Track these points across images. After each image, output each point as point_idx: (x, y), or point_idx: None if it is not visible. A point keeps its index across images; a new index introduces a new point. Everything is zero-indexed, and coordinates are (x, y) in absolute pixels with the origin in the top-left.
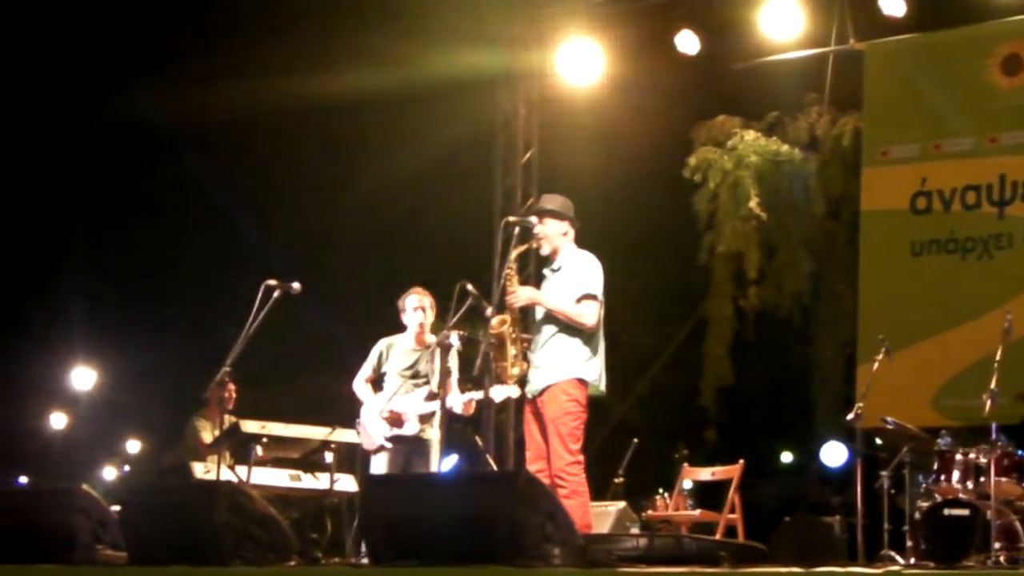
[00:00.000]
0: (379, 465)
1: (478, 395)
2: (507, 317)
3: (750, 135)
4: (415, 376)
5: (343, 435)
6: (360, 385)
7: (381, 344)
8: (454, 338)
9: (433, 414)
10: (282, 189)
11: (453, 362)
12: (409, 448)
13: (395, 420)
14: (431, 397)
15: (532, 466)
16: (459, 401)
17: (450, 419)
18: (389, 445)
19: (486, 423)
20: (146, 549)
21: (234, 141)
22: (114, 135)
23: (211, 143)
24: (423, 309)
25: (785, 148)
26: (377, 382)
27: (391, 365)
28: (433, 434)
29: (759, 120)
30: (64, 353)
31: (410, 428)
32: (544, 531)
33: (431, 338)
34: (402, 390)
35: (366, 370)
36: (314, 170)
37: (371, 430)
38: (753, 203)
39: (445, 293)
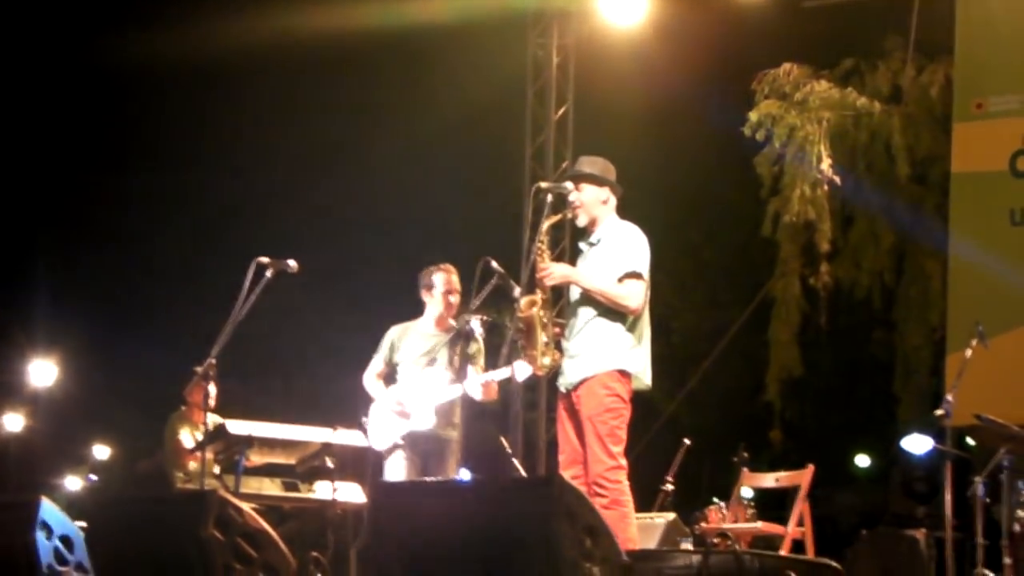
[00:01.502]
0: (393, 470)
1: (501, 374)
2: (537, 298)
3: (821, 86)
4: (433, 363)
5: (346, 437)
6: (370, 379)
7: (392, 332)
8: (475, 323)
9: (454, 409)
10: (276, 156)
11: (474, 350)
12: (426, 448)
13: (406, 413)
14: (444, 384)
15: (567, 471)
16: (476, 383)
17: (468, 414)
18: (401, 442)
19: (513, 422)
20: (118, 571)
21: (226, 99)
22: (81, 108)
23: (194, 100)
24: (453, 292)
25: (863, 101)
26: (391, 376)
27: (404, 354)
28: (455, 433)
29: (832, 68)
30: (21, 343)
31: (424, 422)
32: (582, 547)
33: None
34: (418, 379)
35: (377, 362)
36: (315, 133)
37: (383, 428)
38: (825, 165)
39: (466, 271)
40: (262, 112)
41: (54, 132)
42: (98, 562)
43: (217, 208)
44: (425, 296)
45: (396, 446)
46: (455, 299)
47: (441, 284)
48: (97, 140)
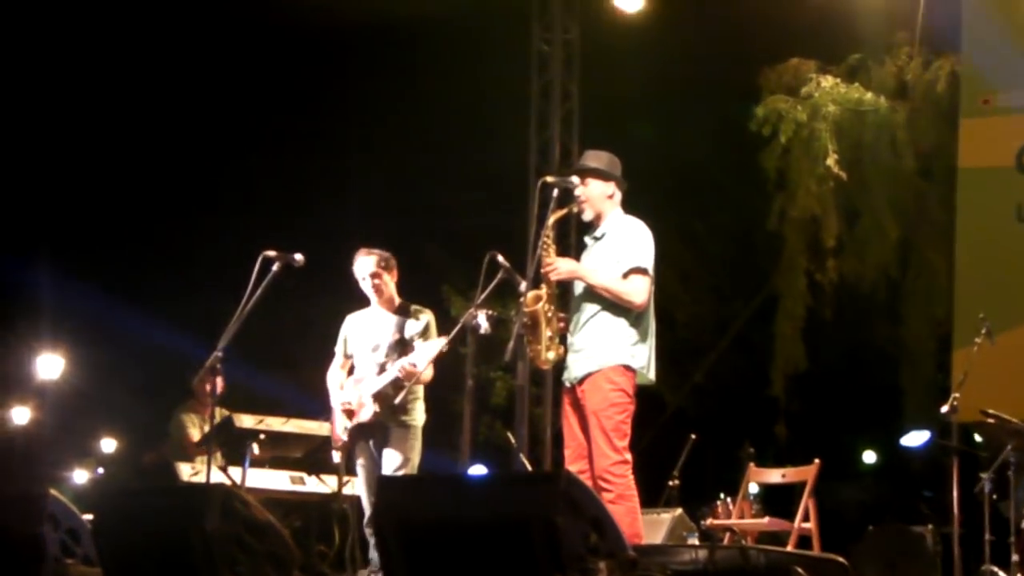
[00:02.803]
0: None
1: (426, 350)
2: (543, 293)
3: (828, 81)
4: (377, 349)
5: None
6: (332, 375)
7: (346, 321)
8: (482, 318)
9: (399, 394)
10: (271, 149)
11: (418, 330)
12: (375, 440)
13: (349, 412)
14: (382, 370)
15: (572, 466)
16: (397, 367)
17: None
18: (346, 439)
19: (519, 416)
20: (124, 563)
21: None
22: (89, 98)
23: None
24: (368, 277)
25: (869, 96)
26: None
27: (355, 343)
28: (407, 418)
29: (839, 63)
30: (27, 337)
31: (365, 413)
32: (588, 542)
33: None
34: (368, 372)
35: (337, 356)
36: (308, 124)
37: (339, 426)
38: (831, 160)
39: (472, 265)
40: (255, 103)
41: (60, 124)
42: (104, 554)
43: (225, 199)
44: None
45: (347, 443)
46: (378, 281)
47: (357, 273)
48: (105, 128)
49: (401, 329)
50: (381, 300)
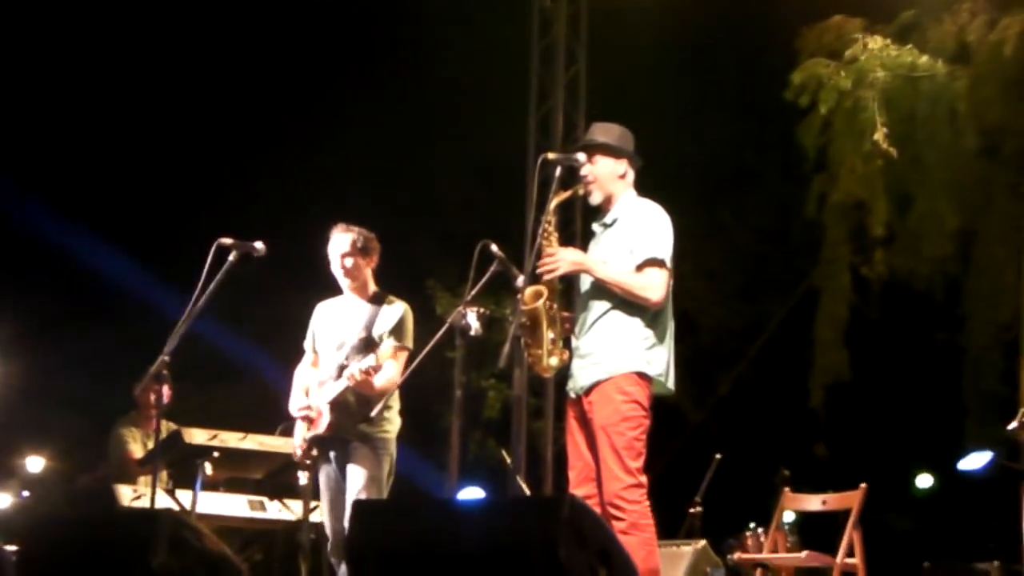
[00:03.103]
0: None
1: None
2: (544, 289)
3: (876, 42)
4: (341, 348)
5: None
6: (299, 374)
7: (315, 311)
8: (472, 317)
9: (362, 400)
10: (247, 124)
11: (387, 329)
12: (336, 455)
13: (309, 420)
14: (340, 373)
15: (578, 490)
16: (352, 370)
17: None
18: (300, 454)
19: (516, 432)
20: None
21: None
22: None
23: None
24: (340, 257)
25: (924, 60)
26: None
27: (322, 339)
28: (372, 430)
29: (888, 22)
30: None
31: (321, 424)
32: None
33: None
34: (330, 374)
35: (307, 353)
36: (291, 94)
37: (296, 434)
38: (879, 135)
39: (462, 255)
40: (228, 74)
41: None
42: None
43: (183, 181)
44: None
45: (306, 458)
46: (349, 261)
47: (330, 252)
48: (46, 119)
49: (370, 325)
50: (354, 287)
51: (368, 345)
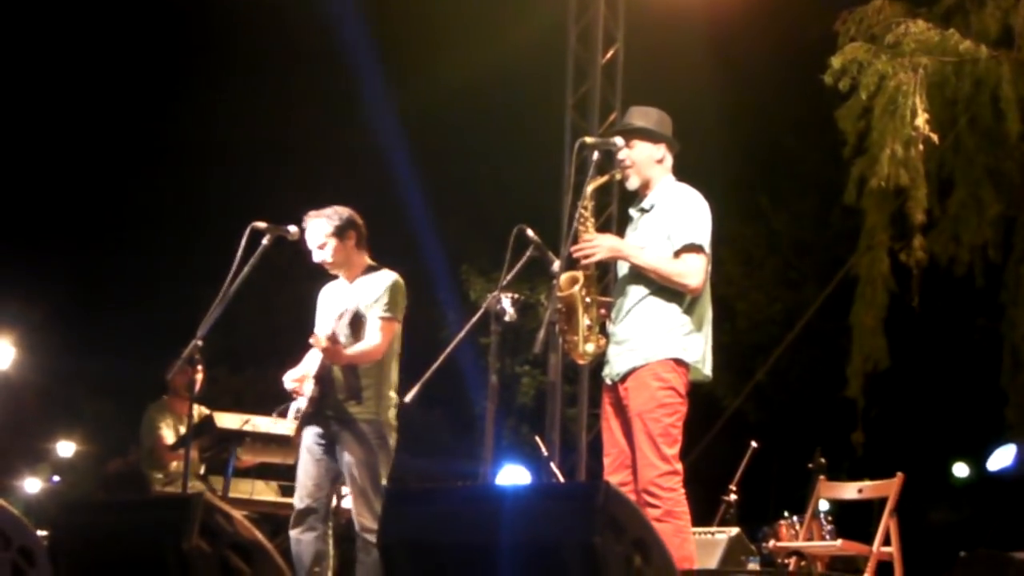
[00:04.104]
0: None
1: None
2: (579, 274)
3: (918, 26)
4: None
5: None
6: (305, 360)
7: (320, 296)
8: (506, 303)
9: (349, 377)
10: (280, 107)
11: (369, 302)
12: (326, 435)
13: (300, 392)
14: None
15: (613, 477)
16: (320, 337)
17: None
18: (290, 433)
19: (550, 419)
20: None
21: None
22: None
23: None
24: (314, 248)
25: (967, 44)
26: None
27: (322, 322)
28: (359, 409)
29: (931, 5)
30: None
31: (307, 399)
32: (631, 565)
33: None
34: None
35: None
36: (325, 79)
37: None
38: (921, 120)
39: (497, 240)
40: (262, 58)
41: (16, 108)
42: None
43: (210, 161)
44: None
45: (299, 436)
46: (327, 250)
47: (308, 242)
48: (60, 115)
49: (358, 298)
50: (342, 271)
51: (356, 319)
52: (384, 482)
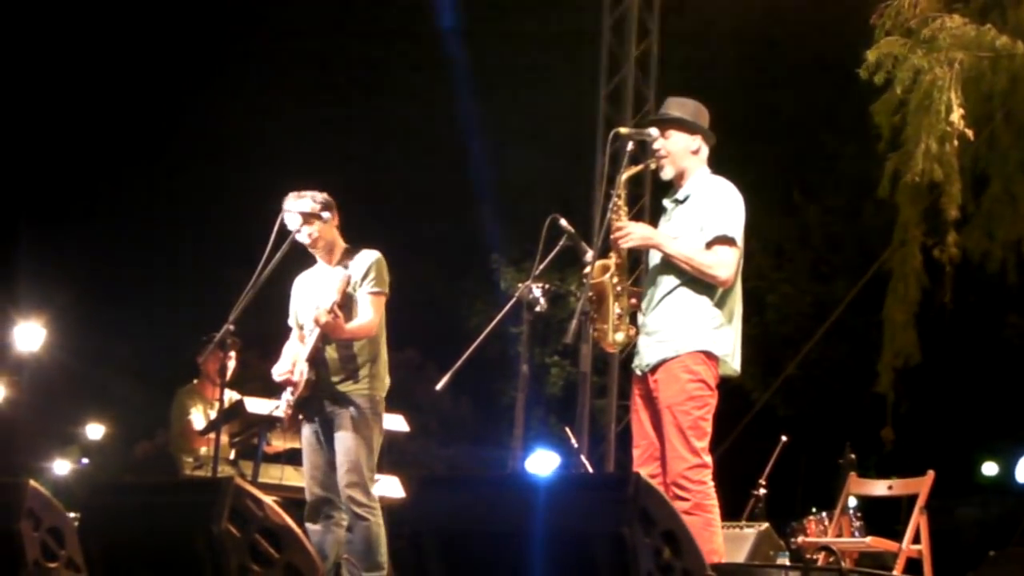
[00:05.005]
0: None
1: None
2: (611, 263)
3: (955, 20)
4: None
5: (387, 421)
6: (285, 351)
7: (294, 285)
8: (538, 292)
9: (345, 355)
10: (304, 93)
11: (357, 279)
12: (320, 418)
13: (290, 384)
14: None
15: (642, 469)
16: (321, 311)
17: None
18: (282, 416)
19: (579, 410)
20: (115, 569)
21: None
22: (69, 66)
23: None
24: (300, 228)
25: (1003, 40)
26: None
27: (302, 310)
28: (352, 386)
29: (967, 1)
30: (3, 304)
31: (302, 384)
32: (660, 558)
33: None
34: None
35: (294, 329)
36: (349, 62)
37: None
38: (956, 116)
39: (530, 228)
40: (283, 45)
41: (39, 94)
42: (92, 558)
43: (243, 144)
44: None
45: (290, 423)
46: (309, 231)
47: (289, 223)
48: (87, 101)
49: (346, 280)
50: (321, 253)
51: (348, 301)
52: (376, 458)
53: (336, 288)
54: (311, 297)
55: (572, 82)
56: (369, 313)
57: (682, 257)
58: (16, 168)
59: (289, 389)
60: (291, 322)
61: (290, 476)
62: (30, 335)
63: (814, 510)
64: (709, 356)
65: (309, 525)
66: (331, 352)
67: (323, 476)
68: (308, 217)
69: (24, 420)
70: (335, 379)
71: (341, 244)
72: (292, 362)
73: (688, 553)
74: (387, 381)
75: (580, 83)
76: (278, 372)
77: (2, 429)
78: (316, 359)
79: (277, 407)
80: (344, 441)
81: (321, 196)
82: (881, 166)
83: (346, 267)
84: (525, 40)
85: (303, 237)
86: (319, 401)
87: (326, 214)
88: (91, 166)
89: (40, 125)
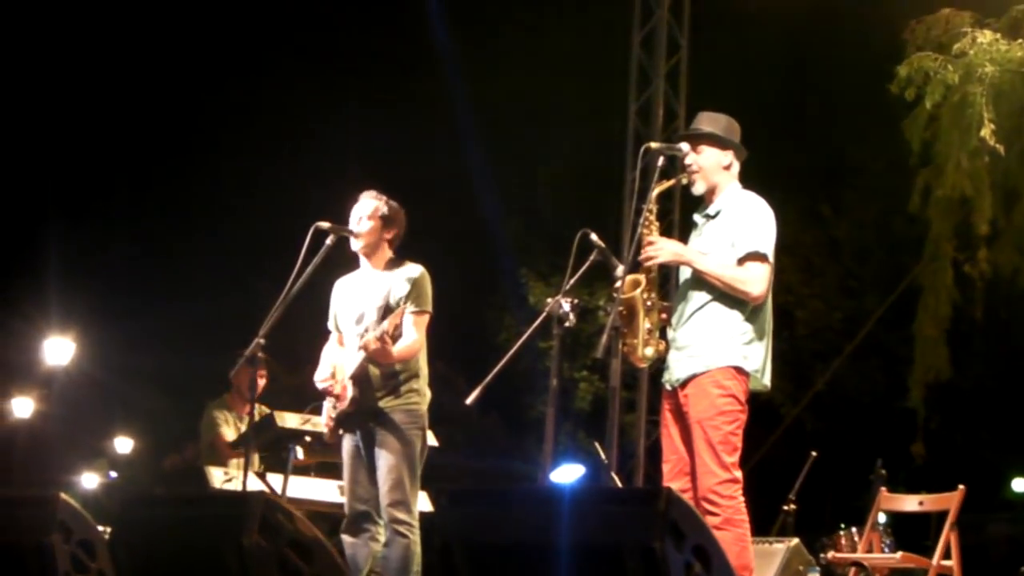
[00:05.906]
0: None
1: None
2: (642, 278)
3: (985, 36)
4: (360, 320)
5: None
6: (324, 356)
7: (334, 289)
8: (567, 307)
9: (386, 372)
10: (329, 111)
11: (402, 294)
12: (363, 432)
13: (335, 393)
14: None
15: (673, 484)
16: (370, 335)
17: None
18: (327, 432)
19: (609, 424)
20: None
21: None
22: (93, 79)
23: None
24: (356, 220)
25: None
26: None
27: (343, 315)
28: (395, 402)
29: (998, 16)
30: (34, 318)
31: (345, 400)
32: (690, 572)
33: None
34: (353, 348)
35: (332, 333)
36: (374, 80)
37: (324, 410)
38: (987, 131)
39: (561, 244)
40: (334, 53)
41: (66, 101)
42: (122, 570)
43: (274, 156)
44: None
45: (332, 437)
46: (365, 224)
47: (353, 214)
48: (114, 109)
49: (387, 293)
50: (367, 252)
51: (387, 314)
52: (419, 472)
53: (388, 319)
54: (353, 301)
55: (605, 98)
56: (413, 334)
57: (713, 273)
58: (45, 184)
59: (331, 401)
60: (330, 325)
61: (319, 490)
62: (59, 350)
63: (843, 525)
64: (739, 371)
65: (345, 537)
66: (373, 368)
67: (363, 490)
68: (372, 212)
69: (53, 434)
70: (378, 394)
71: (388, 253)
72: (332, 369)
73: (718, 568)
74: (428, 394)
75: (610, 96)
76: (319, 379)
77: (32, 443)
78: (360, 377)
79: (308, 420)
80: (387, 458)
81: (394, 205)
82: (911, 181)
83: (392, 280)
84: (554, 51)
85: (356, 225)
86: (361, 416)
87: (388, 219)
88: (120, 180)
89: (69, 140)
